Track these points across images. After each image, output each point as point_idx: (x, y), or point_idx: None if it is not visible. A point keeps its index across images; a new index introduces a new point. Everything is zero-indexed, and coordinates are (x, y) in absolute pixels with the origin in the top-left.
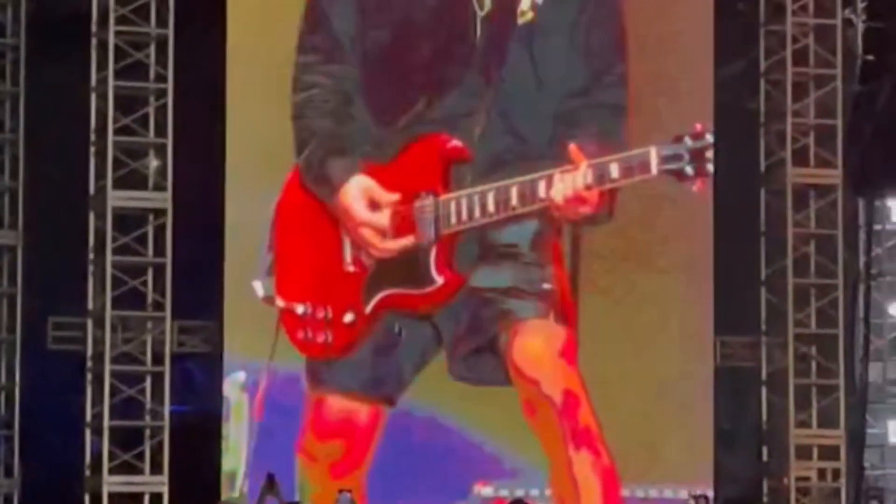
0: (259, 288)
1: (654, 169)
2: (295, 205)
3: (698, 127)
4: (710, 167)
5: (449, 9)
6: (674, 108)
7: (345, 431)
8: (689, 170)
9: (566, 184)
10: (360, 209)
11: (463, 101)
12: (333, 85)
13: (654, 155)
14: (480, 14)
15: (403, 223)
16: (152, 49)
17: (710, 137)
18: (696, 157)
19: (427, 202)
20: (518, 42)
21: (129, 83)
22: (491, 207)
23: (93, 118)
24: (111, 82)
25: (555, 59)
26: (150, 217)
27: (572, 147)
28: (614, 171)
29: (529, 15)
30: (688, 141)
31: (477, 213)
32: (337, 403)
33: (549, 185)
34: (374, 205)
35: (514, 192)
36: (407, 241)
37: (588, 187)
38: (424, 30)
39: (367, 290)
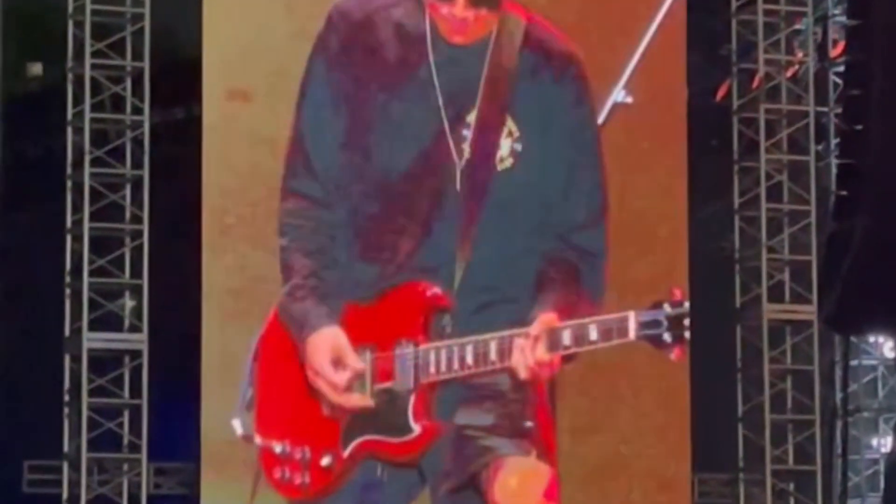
0: (238, 426)
1: (632, 334)
2: (276, 341)
3: (677, 294)
4: (687, 334)
5: (428, 159)
6: (648, 247)
7: None
8: (667, 337)
9: (525, 355)
10: (322, 362)
11: (443, 249)
12: (319, 228)
13: (632, 320)
14: (460, 164)
15: (383, 369)
16: (128, 190)
17: (687, 305)
18: (674, 324)
19: (407, 350)
20: (498, 189)
21: (104, 224)
22: (469, 360)
23: (68, 260)
24: (86, 224)
25: (535, 204)
26: (126, 358)
27: (541, 317)
28: (593, 333)
29: (509, 161)
30: (666, 308)
31: (456, 365)
32: None
33: (532, 345)
34: (337, 362)
35: (493, 346)
36: (362, 401)
37: (566, 348)
38: (405, 178)
39: (345, 433)
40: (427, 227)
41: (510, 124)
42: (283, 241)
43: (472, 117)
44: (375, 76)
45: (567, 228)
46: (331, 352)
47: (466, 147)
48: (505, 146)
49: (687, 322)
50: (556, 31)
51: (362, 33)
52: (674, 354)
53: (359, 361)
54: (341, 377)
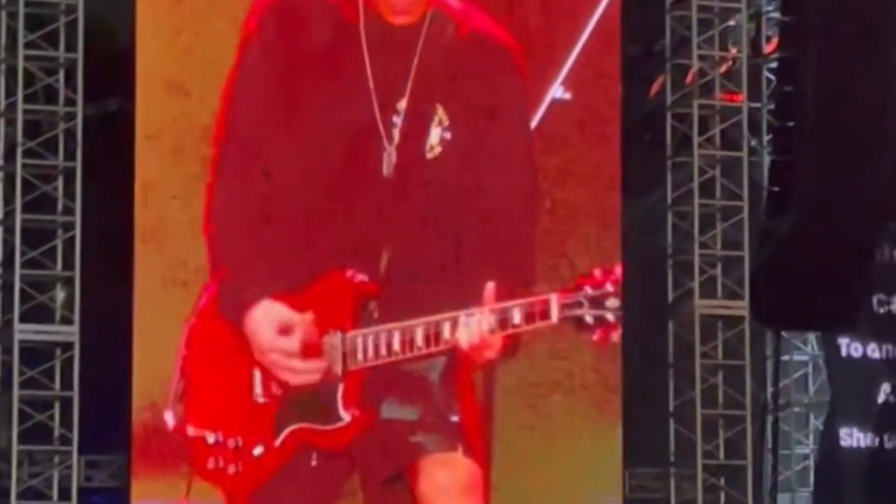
0: (169, 418)
1: (554, 316)
2: (207, 331)
3: (597, 274)
4: (611, 317)
5: (358, 144)
6: (580, 241)
7: None
8: (588, 319)
9: (471, 329)
10: (268, 333)
11: (369, 235)
12: (247, 216)
13: (554, 303)
14: (388, 149)
15: (311, 357)
16: (60, 182)
17: (610, 287)
18: (596, 305)
19: (334, 338)
20: (426, 176)
21: (36, 216)
22: (396, 346)
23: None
24: (18, 215)
25: (463, 192)
26: (58, 351)
27: (488, 286)
28: (517, 316)
29: (438, 150)
30: (587, 289)
31: (383, 351)
32: None
33: (453, 328)
34: (284, 329)
35: (419, 332)
36: (319, 364)
37: (492, 332)
38: (333, 163)
39: (277, 422)
40: (354, 213)
41: (440, 113)
42: (212, 229)
43: (402, 104)
44: (306, 58)
45: (495, 217)
46: (274, 321)
47: (396, 133)
48: (434, 134)
49: (611, 304)
50: (490, 20)
51: (294, 13)
52: (596, 336)
53: (306, 316)
54: (292, 342)
